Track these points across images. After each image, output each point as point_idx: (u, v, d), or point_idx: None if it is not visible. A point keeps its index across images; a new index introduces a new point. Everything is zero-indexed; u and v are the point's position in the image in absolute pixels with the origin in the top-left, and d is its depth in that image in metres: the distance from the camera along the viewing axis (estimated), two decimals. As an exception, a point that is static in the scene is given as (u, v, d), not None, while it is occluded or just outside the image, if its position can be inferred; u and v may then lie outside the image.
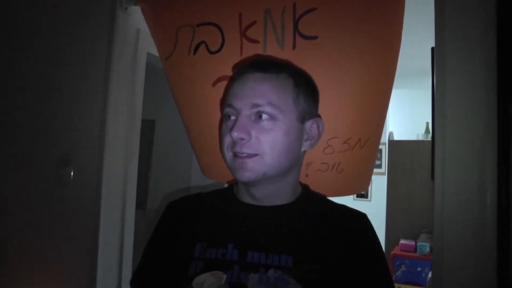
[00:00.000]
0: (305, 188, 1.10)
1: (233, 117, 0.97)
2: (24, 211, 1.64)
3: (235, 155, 0.95)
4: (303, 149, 1.03)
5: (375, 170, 5.63)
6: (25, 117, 1.66)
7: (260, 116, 0.94)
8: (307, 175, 1.34)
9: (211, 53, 1.42)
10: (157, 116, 2.97)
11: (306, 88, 1.02)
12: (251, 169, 0.94)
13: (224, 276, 0.85)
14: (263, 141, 0.94)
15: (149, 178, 2.96)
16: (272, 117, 0.94)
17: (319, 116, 1.06)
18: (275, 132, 0.95)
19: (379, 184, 4.95)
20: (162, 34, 1.51)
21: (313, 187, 1.30)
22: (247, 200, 1.03)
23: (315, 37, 1.28)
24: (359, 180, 1.38)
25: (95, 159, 1.49)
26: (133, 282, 1.06)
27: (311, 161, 1.33)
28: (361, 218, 1.04)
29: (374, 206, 5.09)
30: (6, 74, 1.70)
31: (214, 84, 1.39)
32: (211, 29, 1.42)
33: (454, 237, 1.17)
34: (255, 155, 0.94)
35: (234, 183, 1.11)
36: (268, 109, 0.94)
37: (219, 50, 1.41)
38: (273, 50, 1.34)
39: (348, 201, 5.95)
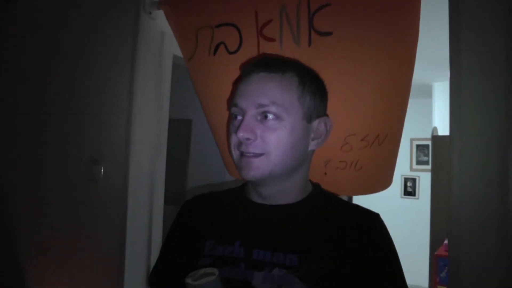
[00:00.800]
0: (315, 186, 1.09)
1: (239, 117, 0.98)
2: (58, 206, 1.74)
3: (242, 154, 0.96)
4: (310, 148, 1.02)
5: (422, 167, 5.47)
6: (59, 120, 1.76)
7: (266, 116, 0.95)
8: (325, 173, 1.33)
9: (230, 53, 1.44)
10: (194, 115, 3.04)
11: (312, 86, 1.01)
12: (257, 168, 0.95)
13: (217, 272, 0.86)
14: (269, 141, 0.94)
15: (187, 175, 3.03)
16: (277, 117, 0.95)
17: (327, 115, 1.05)
18: (280, 132, 0.95)
19: (427, 181, 4.78)
20: (184, 36, 1.55)
21: (332, 186, 1.28)
22: (256, 199, 1.04)
23: (329, 33, 1.26)
24: (379, 178, 1.34)
25: (122, 158, 1.56)
26: (151, 278, 1.09)
27: (329, 159, 1.32)
28: (372, 218, 1.01)
29: (422, 205, 4.92)
30: (42, 80, 1.81)
31: (234, 83, 1.41)
32: (229, 29, 1.43)
33: (471, 240, 1.12)
34: (261, 154, 0.95)
35: (246, 182, 1.11)
36: (273, 108, 0.94)
37: (238, 50, 1.43)
38: (289, 48, 1.33)
39: (395, 199, 5.78)
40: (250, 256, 0.94)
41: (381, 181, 1.36)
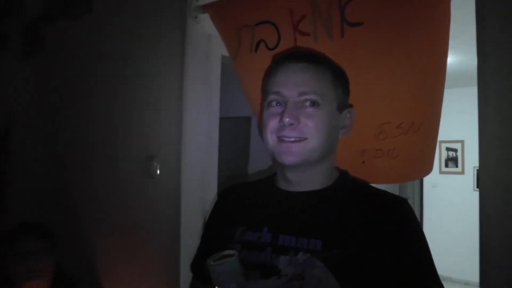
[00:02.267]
0: (343, 173, 1.12)
1: (278, 104, 1.04)
2: (116, 201, 1.91)
3: (280, 139, 1.02)
4: (339, 136, 1.08)
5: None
6: (116, 119, 1.93)
7: (307, 103, 1.02)
8: (363, 162, 1.34)
9: (270, 49, 1.50)
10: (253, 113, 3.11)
11: (341, 79, 1.09)
12: (296, 153, 1.01)
13: (236, 253, 0.92)
14: (309, 126, 1.01)
15: (248, 171, 3.12)
16: (316, 104, 1.02)
17: (351, 105, 1.12)
18: (320, 118, 1.01)
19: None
20: (228, 36, 1.64)
21: (370, 174, 1.30)
22: (284, 186, 1.09)
23: (360, 23, 1.28)
24: (418, 165, 1.33)
25: (175, 156, 1.68)
26: (192, 266, 1.18)
27: (365, 148, 1.33)
28: (400, 204, 1.02)
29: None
30: (101, 82, 2.00)
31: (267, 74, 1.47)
32: (268, 27, 1.50)
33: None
34: (301, 139, 1.01)
35: (275, 172, 1.17)
36: (313, 96, 1.01)
37: (276, 46, 1.49)
38: (323, 40, 1.37)
39: (468, 192, 5.43)
40: (276, 241, 1.00)
41: (420, 169, 1.34)
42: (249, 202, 1.12)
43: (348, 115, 1.10)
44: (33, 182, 2.38)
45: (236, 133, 3.07)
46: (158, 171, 1.72)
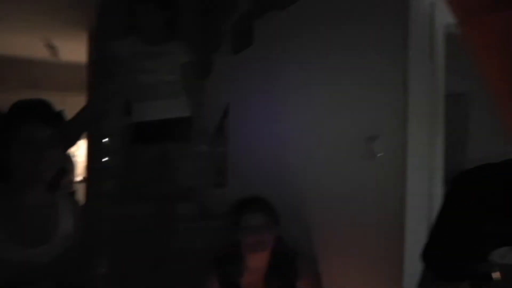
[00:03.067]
0: None
1: None
2: (336, 181, 1.90)
3: None
4: None
5: None
6: (338, 98, 1.91)
7: None
8: None
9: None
10: (469, 88, 2.76)
11: None
12: None
13: None
14: None
15: (465, 154, 2.79)
16: None
17: None
18: None
19: None
20: None
21: None
22: None
23: None
24: None
25: (399, 135, 1.58)
26: (424, 255, 1.06)
27: None
28: None
29: None
30: (325, 60, 2.01)
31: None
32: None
33: None
34: None
35: None
36: None
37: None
38: None
39: None
40: None
41: None
42: (502, 187, 0.95)
43: None
44: (257, 161, 2.56)
45: (448, 113, 2.77)
46: (380, 153, 1.65)
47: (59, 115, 1.48)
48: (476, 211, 0.96)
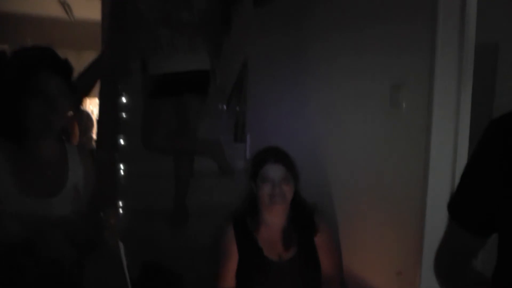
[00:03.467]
0: None
1: None
2: (360, 132, 1.85)
3: None
4: None
5: None
6: (364, 46, 1.84)
7: None
8: None
9: None
10: (502, 39, 2.63)
11: None
12: None
13: None
14: None
15: (492, 107, 2.69)
16: None
17: None
18: None
19: None
20: None
21: None
22: None
23: None
24: None
25: (426, 85, 1.52)
26: (450, 206, 1.02)
27: None
28: None
29: None
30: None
31: None
32: None
33: None
34: None
35: None
36: None
37: None
38: None
39: None
40: None
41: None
42: None
43: None
44: (277, 117, 2.52)
45: (477, 64, 2.66)
46: (405, 102, 1.59)
47: (66, 63, 1.42)
48: (505, 160, 0.91)
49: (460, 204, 0.99)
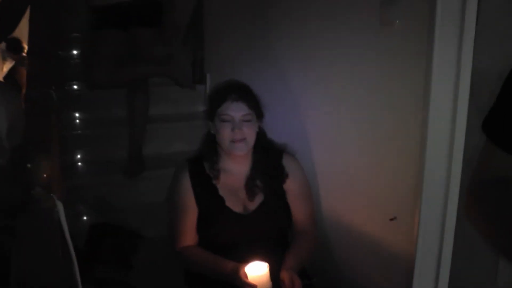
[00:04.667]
0: None
1: None
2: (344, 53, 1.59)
3: None
4: None
5: None
6: None
7: None
8: None
9: None
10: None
11: None
12: None
13: None
14: None
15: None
16: None
17: None
18: None
19: None
20: None
21: None
22: None
23: None
24: None
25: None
26: (485, 125, 0.91)
27: None
28: None
29: None
30: None
31: None
32: None
33: None
34: None
35: None
36: None
37: None
38: None
39: None
40: None
41: None
42: None
43: None
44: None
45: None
46: (398, 18, 1.33)
47: None
48: None
49: (494, 122, 0.91)
